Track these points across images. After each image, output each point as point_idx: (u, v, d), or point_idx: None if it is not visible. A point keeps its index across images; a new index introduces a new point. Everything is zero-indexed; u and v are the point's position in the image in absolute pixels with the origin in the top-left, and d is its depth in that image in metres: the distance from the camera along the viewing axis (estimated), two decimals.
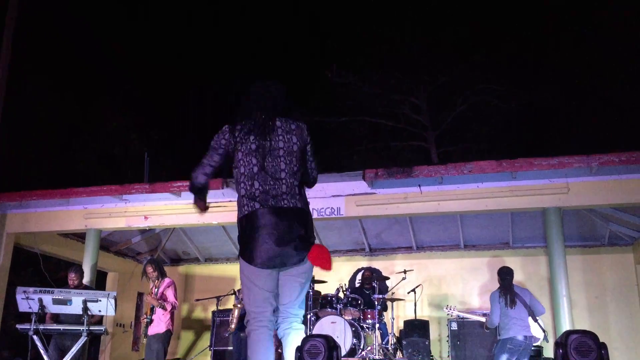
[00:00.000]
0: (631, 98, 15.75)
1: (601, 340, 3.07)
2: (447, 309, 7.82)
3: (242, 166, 3.28)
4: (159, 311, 7.09)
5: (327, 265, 3.09)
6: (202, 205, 3.54)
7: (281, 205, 3.17)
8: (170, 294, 7.15)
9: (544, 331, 6.72)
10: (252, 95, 3.51)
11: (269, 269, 3.15)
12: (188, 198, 8.08)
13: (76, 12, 18.10)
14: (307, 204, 3.39)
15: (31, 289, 6.52)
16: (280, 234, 3.11)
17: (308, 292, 8.66)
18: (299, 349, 2.96)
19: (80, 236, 9.32)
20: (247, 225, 3.20)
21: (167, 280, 7.29)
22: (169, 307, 7.07)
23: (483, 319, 7.16)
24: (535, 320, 6.66)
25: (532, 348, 6.80)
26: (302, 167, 3.42)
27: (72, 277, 7.32)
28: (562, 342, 2.70)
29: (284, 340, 3.20)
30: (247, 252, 3.18)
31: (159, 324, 7.05)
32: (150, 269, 7.23)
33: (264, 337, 3.12)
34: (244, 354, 6.76)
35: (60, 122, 16.56)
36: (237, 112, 3.47)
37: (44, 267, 8.74)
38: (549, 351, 8.12)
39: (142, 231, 10.01)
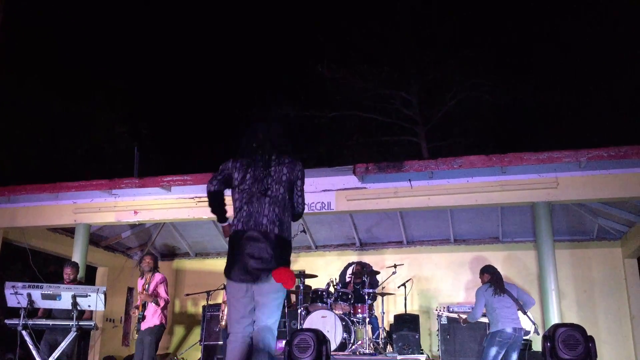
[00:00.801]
0: (620, 93, 15.85)
1: (589, 333, 3.09)
2: (437, 310, 7.84)
3: (236, 192, 3.66)
4: (150, 307, 7.06)
5: (289, 284, 3.47)
6: (227, 230, 3.79)
7: (259, 229, 3.52)
8: (162, 290, 7.15)
9: (534, 324, 6.76)
10: (253, 132, 3.89)
11: (243, 284, 3.50)
12: (178, 193, 8.11)
13: (62, 5, 17.95)
14: (289, 231, 3.69)
15: (20, 284, 6.47)
16: (253, 254, 3.47)
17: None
18: (288, 344, 2.96)
19: (69, 231, 9.28)
20: (230, 243, 3.59)
21: (158, 276, 7.27)
22: (162, 303, 7.06)
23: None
24: (525, 313, 6.70)
25: (522, 341, 6.86)
26: (290, 199, 3.72)
27: (67, 272, 7.30)
28: (550, 336, 2.72)
29: (254, 347, 3.51)
30: (227, 268, 3.56)
31: (152, 318, 7.04)
32: (148, 259, 7.27)
33: (241, 346, 3.49)
34: None
35: (48, 117, 16.42)
36: (240, 145, 3.88)
37: (33, 262, 8.68)
38: (538, 344, 8.19)
39: (132, 226, 9.97)
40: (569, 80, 16.65)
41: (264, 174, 3.64)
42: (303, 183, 3.82)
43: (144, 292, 7.07)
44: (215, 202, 3.76)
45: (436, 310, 7.86)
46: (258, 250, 3.46)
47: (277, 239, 3.53)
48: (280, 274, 3.44)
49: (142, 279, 7.34)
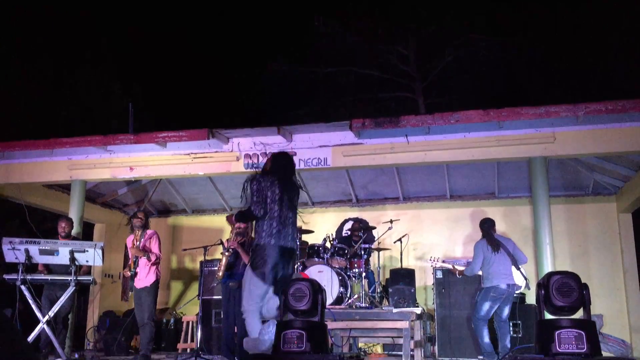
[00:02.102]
0: (619, 47, 15.67)
1: None
2: (430, 260, 7.92)
3: (268, 207, 4.59)
4: (142, 263, 7.07)
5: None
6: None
7: (286, 245, 4.57)
8: (154, 246, 7.13)
9: (525, 279, 6.85)
10: (281, 161, 4.90)
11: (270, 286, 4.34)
12: (174, 149, 8.08)
13: None
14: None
15: (17, 240, 6.50)
16: (280, 267, 4.42)
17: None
18: (284, 293, 2.98)
19: (65, 187, 9.27)
20: (262, 251, 4.48)
21: (149, 232, 7.24)
22: (153, 258, 7.05)
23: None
24: (518, 269, 6.78)
25: (515, 295, 6.97)
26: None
27: (62, 225, 7.31)
28: (544, 283, 2.74)
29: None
30: (258, 272, 4.40)
31: (147, 275, 7.06)
32: (141, 215, 7.26)
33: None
34: (232, 302, 6.83)
35: (42, 73, 16.23)
36: (276, 167, 4.84)
37: (30, 219, 8.70)
38: (531, 298, 8.31)
39: (128, 183, 9.96)
40: (567, 34, 16.43)
41: (289, 199, 4.74)
42: None
43: (134, 247, 7.07)
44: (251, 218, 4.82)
45: (430, 259, 7.95)
46: (285, 265, 4.48)
47: (295, 256, 4.92)
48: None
49: (132, 235, 7.34)
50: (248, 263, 4.75)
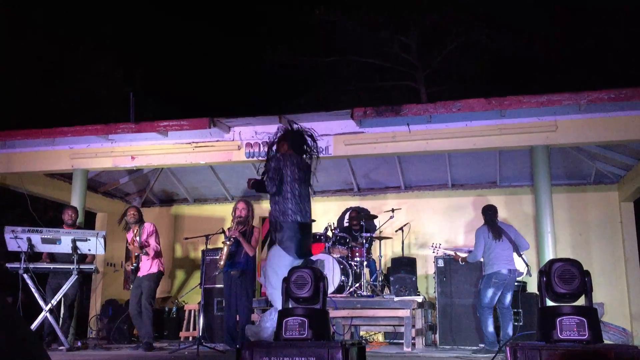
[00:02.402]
0: (621, 35, 15.59)
1: None
2: (432, 247, 7.94)
3: (289, 186, 4.73)
4: (144, 257, 7.11)
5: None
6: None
7: (306, 221, 4.83)
8: (152, 241, 7.16)
9: (527, 266, 6.87)
10: (298, 140, 4.99)
11: (297, 260, 4.65)
12: (175, 138, 8.07)
13: None
14: None
15: (19, 229, 6.54)
16: (307, 240, 4.80)
17: None
18: (286, 281, 2.99)
19: (67, 177, 9.27)
20: (288, 228, 4.65)
21: (147, 227, 7.24)
22: (151, 253, 7.07)
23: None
24: (520, 256, 6.80)
25: (516, 283, 6.99)
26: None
27: (69, 213, 7.37)
28: (546, 271, 2.74)
29: None
30: (284, 247, 4.62)
31: (149, 268, 7.09)
32: (132, 211, 7.26)
33: None
34: (234, 291, 6.86)
35: (44, 61, 16.20)
36: (297, 143, 4.99)
37: (32, 208, 8.72)
38: (532, 286, 8.33)
39: (130, 172, 9.97)
40: (570, 22, 16.34)
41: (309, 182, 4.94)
42: None
43: (133, 245, 7.09)
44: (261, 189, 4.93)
45: (432, 245, 7.96)
46: (309, 238, 4.85)
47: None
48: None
49: (129, 231, 7.32)
50: (271, 242, 4.99)
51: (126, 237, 7.51)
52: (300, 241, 4.66)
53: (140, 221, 7.26)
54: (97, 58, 17.46)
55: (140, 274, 7.09)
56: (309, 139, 5.05)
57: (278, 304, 4.25)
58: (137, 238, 7.14)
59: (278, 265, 4.56)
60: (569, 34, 16.30)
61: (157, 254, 7.17)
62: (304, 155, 5.01)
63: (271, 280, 4.64)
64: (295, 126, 5.11)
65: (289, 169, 4.76)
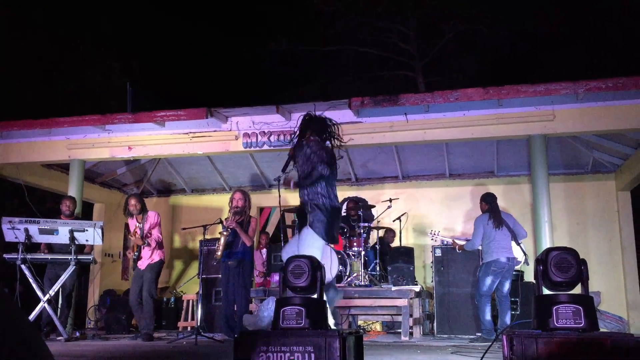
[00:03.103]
0: (619, 25, 15.55)
1: None
2: (431, 234, 7.96)
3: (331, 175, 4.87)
4: (146, 247, 7.09)
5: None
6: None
7: (338, 206, 4.99)
8: (155, 232, 7.12)
9: (525, 254, 6.90)
10: (321, 125, 5.02)
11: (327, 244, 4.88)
12: (172, 128, 8.05)
13: None
14: None
15: (17, 219, 6.53)
16: (337, 224, 4.94)
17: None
18: (283, 270, 3.00)
19: (64, 167, 9.25)
20: (329, 212, 4.78)
21: (152, 216, 7.18)
22: (153, 244, 7.04)
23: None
24: (518, 244, 6.82)
25: (514, 272, 7.01)
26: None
27: (67, 204, 7.34)
28: (543, 259, 2.75)
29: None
30: (317, 229, 4.74)
31: (150, 257, 7.07)
32: (133, 201, 7.13)
33: None
34: (231, 281, 6.87)
35: (40, 52, 16.12)
36: (325, 131, 5.06)
37: (29, 199, 8.71)
38: (529, 275, 8.36)
39: (127, 162, 9.95)
40: (568, 11, 16.30)
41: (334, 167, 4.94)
42: None
43: (136, 236, 7.03)
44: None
45: (430, 232, 7.98)
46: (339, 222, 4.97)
47: None
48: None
49: (132, 219, 7.25)
50: (307, 224, 4.91)
51: (127, 224, 7.47)
52: (329, 224, 4.76)
53: (143, 210, 7.20)
54: (94, 49, 17.38)
55: (141, 264, 7.05)
56: (330, 125, 5.10)
57: None
58: (140, 225, 7.09)
59: (310, 246, 4.66)
60: (567, 23, 16.25)
61: (159, 245, 7.15)
62: (327, 142, 5.07)
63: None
64: (316, 113, 5.13)
65: (318, 154, 4.83)
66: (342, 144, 5.16)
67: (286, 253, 4.97)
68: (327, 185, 4.82)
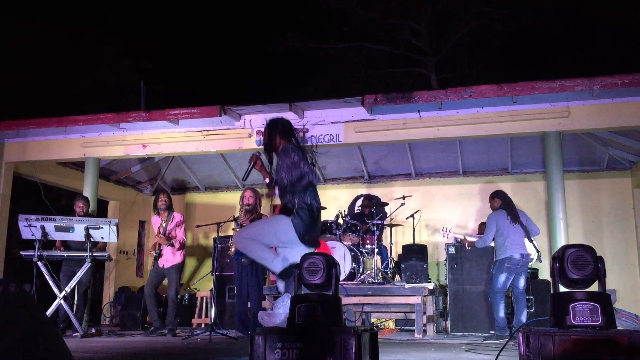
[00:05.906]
0: (634, 20, 15.38)
1: None
2: (443, 231, 7.94)
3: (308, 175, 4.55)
4: (169, 247, 7.21)
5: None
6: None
7: (321, 207, 4.65)
8: (180, 233, 7.31)
9: (537, 251, 6.86)
10: (290, 128, 4.74)
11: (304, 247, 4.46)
12: (186, 126, 8.09)
13: None
14: None
15: (33, 217, 6.59)
16: (317, 227, 4.62)
17: None
18: (298, 267, 3.01)
19: (79, 165, 9.34)
20: (311, 210, 4.48)
21: (178, 217, 7.40)
22: (177, 245, 7.20)
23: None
24: (531, 241, 6.78)
25: (528, 270, 6.97)
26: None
27: (79, 205, 7.42)
28: (559, 256, 2.73)
29: None
30: (295, 225, 4.36)
31: (174, 256, 7.21)
32: (164, 197, 7.37)
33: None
34: (245, 278, 6.90)
35: (54, 51, 16.23)
36: (293, 134, 4.75)
37: (45, 196, 8.79)
38: (544, 273, 8.31)
39: (142, 160, 10.01)
40: (582, 7, 16.13)
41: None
42: None
43: (160, 235, 7.19)
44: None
45: (442, 229, 7.97)
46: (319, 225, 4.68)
47: None
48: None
49: (158, 216, 7.42)
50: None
51: (143, 221, 7.59)
52: (309, 226, 4.42)
53: (170, 208, 7.37)
54: (105, 47, 17.47)
55: (164, 263, 7.20)
56: (293, 125, 4.84)
57: (259, 255, 4.33)
58: (164, 224, 7.25)
59: (283, 231, 4.35)
60: (581, 18, 16.09)
61: (182, 246, 7.29)
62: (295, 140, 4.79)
63: (258, 235, 4.40)
64: (269, 117, 4.83)
65: (296, 156, 4.55)
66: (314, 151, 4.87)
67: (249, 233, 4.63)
68: (314, 190, 4.61)
